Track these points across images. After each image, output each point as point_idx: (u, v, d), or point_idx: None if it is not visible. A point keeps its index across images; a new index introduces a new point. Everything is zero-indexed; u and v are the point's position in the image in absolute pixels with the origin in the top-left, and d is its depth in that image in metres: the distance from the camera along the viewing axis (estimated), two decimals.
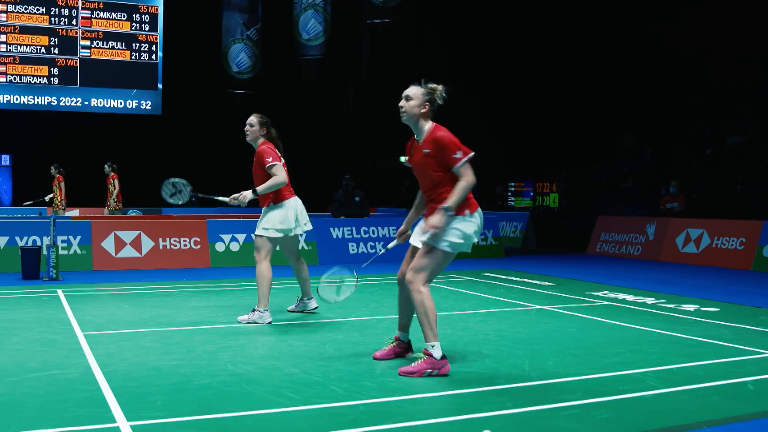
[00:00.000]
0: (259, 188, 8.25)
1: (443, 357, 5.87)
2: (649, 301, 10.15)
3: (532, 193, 23.27)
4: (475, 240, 6.07)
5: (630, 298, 10.41)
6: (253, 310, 8.29)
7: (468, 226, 5.97)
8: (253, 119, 8.52)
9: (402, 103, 6.21)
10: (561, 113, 25.63)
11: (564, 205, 22.20)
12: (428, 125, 6.24)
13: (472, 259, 16.29)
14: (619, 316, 8.85)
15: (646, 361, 6.43)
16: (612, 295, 10.63)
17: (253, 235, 8.59)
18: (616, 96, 24.33)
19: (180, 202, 8.56)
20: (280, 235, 8.37)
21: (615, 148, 24.23)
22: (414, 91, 6.21)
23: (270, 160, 8.25)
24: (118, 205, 19.47)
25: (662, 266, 15.51)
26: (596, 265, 15.78)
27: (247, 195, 8.23)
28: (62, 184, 19.81)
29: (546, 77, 25.78)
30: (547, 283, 12.01)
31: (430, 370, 5.80)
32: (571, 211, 21.47)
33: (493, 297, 10.41)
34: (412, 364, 5.88)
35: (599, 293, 10.87)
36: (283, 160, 8.47)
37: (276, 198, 8.38)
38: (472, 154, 6.05)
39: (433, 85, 6.26)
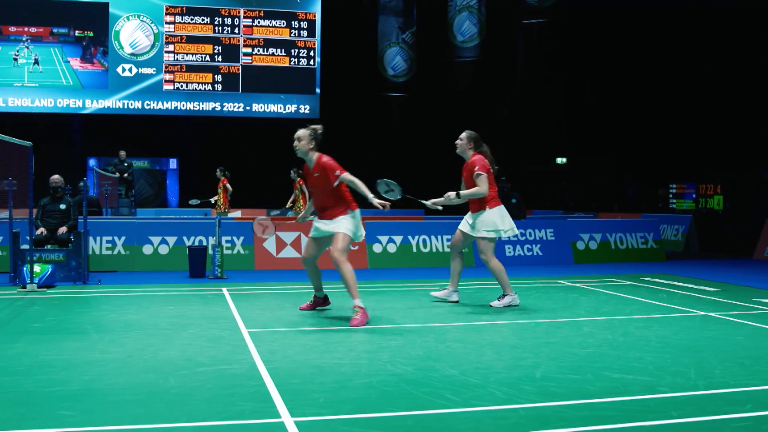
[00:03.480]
0: (463, 193, 9.40)
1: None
2: None
3: (694, 195, 22.46)
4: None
5: None
6: (504, 296, 9.51)
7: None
8: (463, 135, 9.68)
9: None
10: (727, 112, 24.60)
11: (729, 207, 21.30)
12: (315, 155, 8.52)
13: (632, 263, 15.89)
14: None
15: None
16: None
17: (477, 238, 9.55)
18: None
19: (393, 198, 9.36)
20: (496, 236, 9.40)
21: None
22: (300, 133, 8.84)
23: (476, 169, 9.31)
24: (302, 208, 20.00)
25: None
26: (764, 270, 15.04)
27: (451, 194, 9.39)
28: (227, 186, 20.52)
29: (711, 73, 24.81)
30: (711, 289, 11.54)
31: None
32: (737, 214, 20.56)
33: (655, 302, 10.09)
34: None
35: None
36: (493, 172, 9.51)
37: (486, 204, 9.40)
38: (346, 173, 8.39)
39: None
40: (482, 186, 9.24)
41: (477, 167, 9.31)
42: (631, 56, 27.07)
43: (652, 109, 26.71)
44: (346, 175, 8.43)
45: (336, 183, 8.38)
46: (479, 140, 9.63)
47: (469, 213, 9.63)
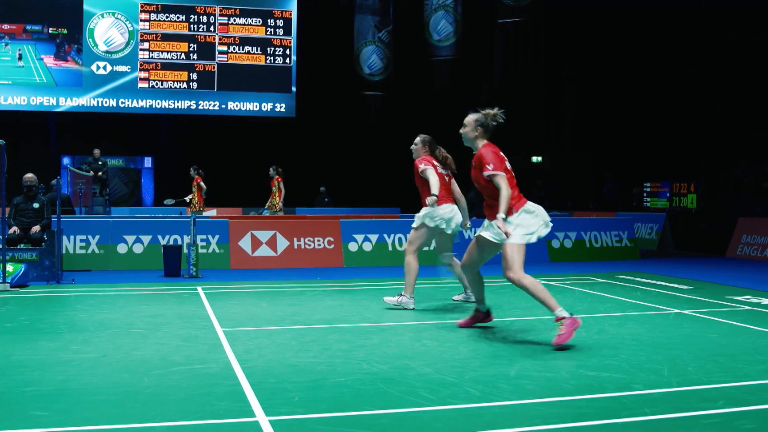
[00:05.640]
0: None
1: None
2: None
3: (668, 194, 22.60)
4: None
5: None
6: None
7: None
8: (417, 139, 9.53)
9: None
10: (701, 111, 24.77)
11: (703, 205, 21.46)
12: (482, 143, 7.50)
13: (607, 261, 15.98)
14: (764, 322, 8.47)
15: None
16: (756, 300, 10.20)
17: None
18: (762, 93, 23.34)
19: None
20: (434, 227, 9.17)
21: (760, 147, 23.24)
22: (468, 118, 7.55)
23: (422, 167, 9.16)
24: (281, 206, 20.00)
25: None
26: (738, 268, 15.19)
27: (433, 199, 8.91)
28: (201, 184, 20.46)
29: (686, 73, 24.98)
30: (685, 287, 11.64)
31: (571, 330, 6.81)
32: (711, 213, 20.72)
33: (630, 300, 10.16)
34: (559, 334, 6.80)
35: (741, 298, 10.45)
36: (447, 171, 9.48)
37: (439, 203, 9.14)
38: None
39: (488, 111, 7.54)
40: (434, 186, 8.97)
41: (422, 164, 9.21)
42: (608, 56, 27.23)
43: (628, 107, 26.87)
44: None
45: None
46: (433, 143, 9.52)
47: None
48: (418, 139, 9.50)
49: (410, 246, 9.19)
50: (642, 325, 8.17)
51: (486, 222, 7.31)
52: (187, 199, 20.64)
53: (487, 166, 7.09)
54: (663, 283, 12.08)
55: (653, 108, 26.15)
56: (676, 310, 9.26)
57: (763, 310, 9.38)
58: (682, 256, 18.21)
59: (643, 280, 12.59)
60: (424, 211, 9.09)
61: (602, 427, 4.62)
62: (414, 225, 9.22)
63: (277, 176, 20.03)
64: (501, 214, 6.81)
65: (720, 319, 8.61)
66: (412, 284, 9.22)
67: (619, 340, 7.32)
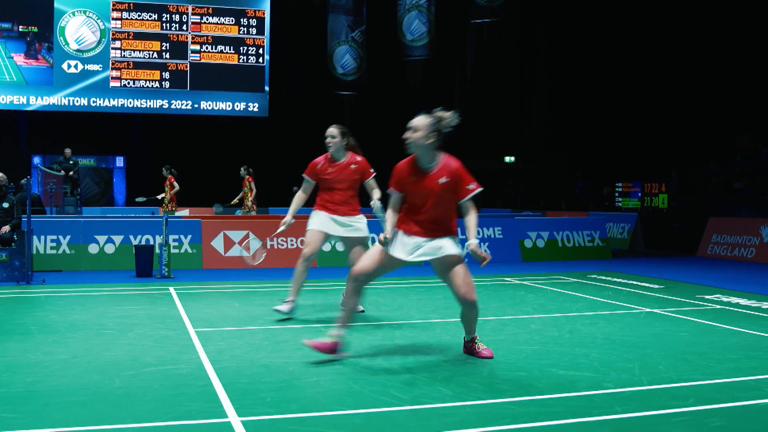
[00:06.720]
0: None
1: None
2: (765, 305, 9.80)
3: (640, 194, 22.77)
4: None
5: (744, 302, 10.07)
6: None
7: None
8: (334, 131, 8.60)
9: (407, 134, 6.25)
10: (671, 111, 24.99)
11: (674, 205, 21.64)
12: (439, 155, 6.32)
13: (579, 260, 16.07)
14: (733, 320, 8.56)
15: (763, 368, 6.21)
16: (725, 299, 10.30)
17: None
18: (731, 93, 23.57)
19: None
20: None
21: (729, 148, 23.47)
22: (419, 122, 6.21)
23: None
24: (254, 206, 19.93)
25: None
26: (708, 267, 15.33)
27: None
28: (174, 184, 20.36)
29: (656, 73, 25.19)
30: (656, 286, 11.73)
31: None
32: (681, 212, 20.90)
33: (601, 299, 10.23)
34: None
35: (712, 297, 10.55)
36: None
37: None
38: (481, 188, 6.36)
39: (440, 114, 6.27)
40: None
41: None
42: (580, 56, 27.39)
43: (600, 108, 27.04)
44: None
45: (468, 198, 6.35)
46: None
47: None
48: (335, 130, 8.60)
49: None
50: (613, 324, 8.23)
51: (419, 241, 6.36)
52: (160, 196, 20.53)
53: (470, 185, 6.27)
54: (634, 283, 12.17)
55: (625, 108, 26.34)
56: (647, 309, 9.33)
57: (733, 308, 9.48)
58: (653, 255, 18.35)
59: (615, 279, 12.67)
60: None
61: (574, 426, 4.64)
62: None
63: (248, 176, 19.97)
64: (475, 240, 6.21)
65: (690, 318, 8.69)
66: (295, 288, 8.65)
67: (590, 339, 7.37)
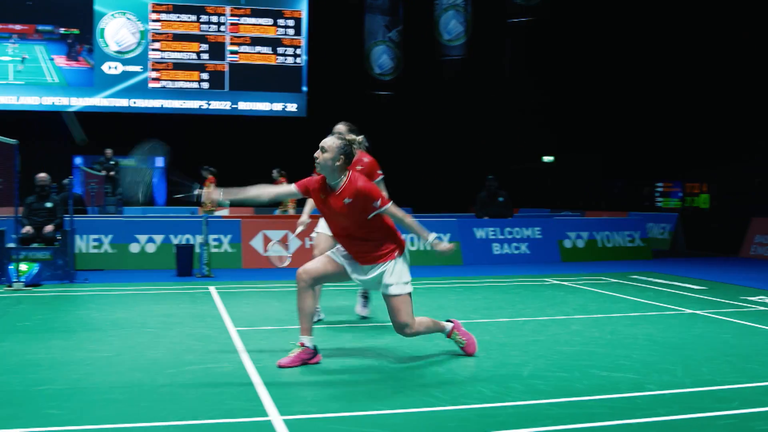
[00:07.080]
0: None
1: None
2: None
3: (681, 194, 22.53)
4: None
5: None
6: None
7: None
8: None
9: (317, 153, 6.18)
10: (712, 109, 24.68)
11: (715, 205, 21.36)
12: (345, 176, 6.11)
13: (619, 261, 15.92)
14: None
15: None
16: None
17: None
18: None
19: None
20: None
21: None
22: (330, 144, 6.14)
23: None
24: (292, 206, 20.01)
25: None
26: (751, 268, 15.12)
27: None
28: (213, 186, 20.48)
29: (698, 72, 24.89)
30: (698, 287, 11.59)
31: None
32: (723, 212, 20.63)
33: (642, 300, 10.13)
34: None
35: (755, 298, 10.40)
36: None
37: None
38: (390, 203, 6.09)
39: (351, 137, 6.29)
40: None
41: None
42: (618, 55, 27.14)
43: (638, 107, 26.78)
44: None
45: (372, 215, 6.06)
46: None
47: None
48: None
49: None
50: (655, 326, 8.15)
51: (357, 265, 6.16)
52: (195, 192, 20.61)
53: (376, 203, 5.96)
54: (676, 283, 12.03)
55: (665, 107, 26.05)
56: (689, 311, 9.23)
57: None
58: (694, 256, 18.14)
59: (656, 280, 12.54)
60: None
61: (616, 428, 4.60)
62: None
63: (281, 177, 20.05)
64: (432, 235, 6.11)
65: (733, 320, 8.58)
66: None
67: (631, 340, 7.30)
